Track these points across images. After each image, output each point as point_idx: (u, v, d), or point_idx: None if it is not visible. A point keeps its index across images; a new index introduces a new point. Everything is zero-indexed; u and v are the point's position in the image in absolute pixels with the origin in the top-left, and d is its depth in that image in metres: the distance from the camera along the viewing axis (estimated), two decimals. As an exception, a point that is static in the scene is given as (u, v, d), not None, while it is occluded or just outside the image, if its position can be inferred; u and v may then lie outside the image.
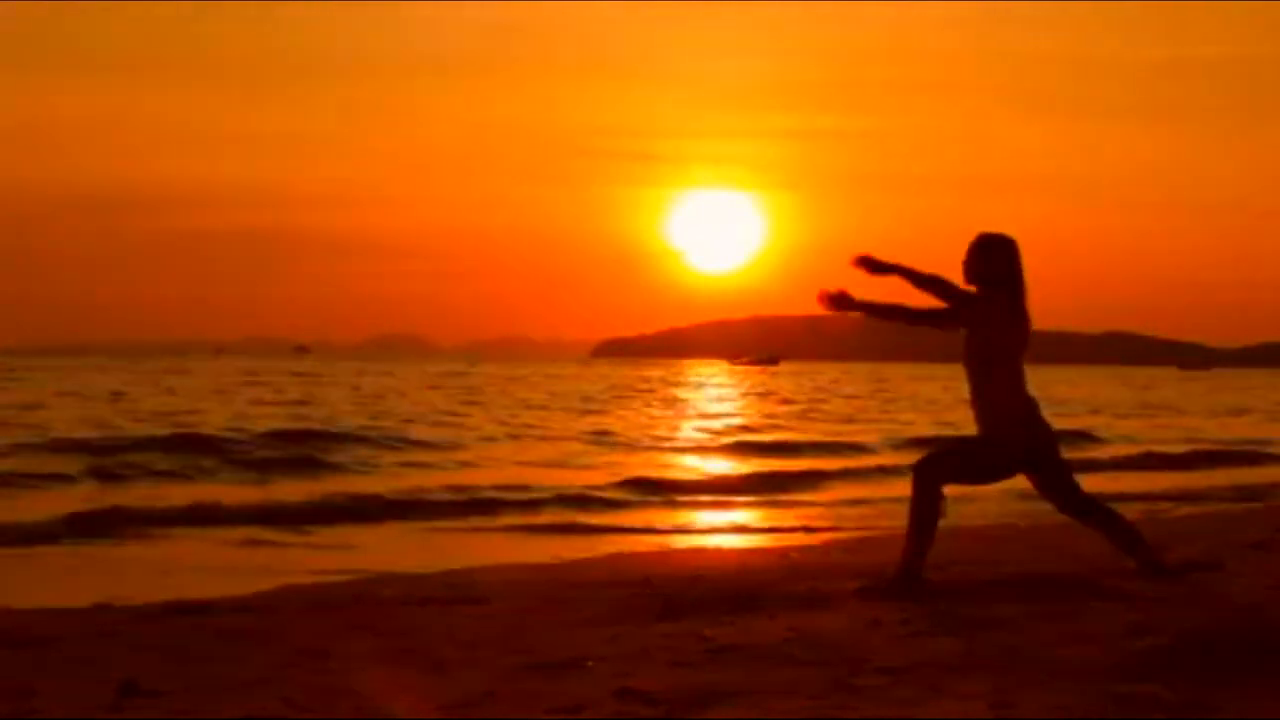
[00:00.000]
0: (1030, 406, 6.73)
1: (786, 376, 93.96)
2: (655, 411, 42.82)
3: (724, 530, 14.09)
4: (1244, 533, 9.73)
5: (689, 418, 38.95)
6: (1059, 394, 57.68)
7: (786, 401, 50.46)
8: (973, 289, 6.78)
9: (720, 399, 54.69)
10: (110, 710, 4.67)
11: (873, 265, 6.93)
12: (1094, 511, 6.90)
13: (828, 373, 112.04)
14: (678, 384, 76.32)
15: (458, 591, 7.99)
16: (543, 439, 28.04)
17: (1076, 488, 6.87)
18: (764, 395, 57.32)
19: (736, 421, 36.70)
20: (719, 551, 11.73)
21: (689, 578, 8.09)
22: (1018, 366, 6.74)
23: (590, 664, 5.19)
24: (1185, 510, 14.13)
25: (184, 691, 4.90)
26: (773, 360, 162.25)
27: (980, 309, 6.72)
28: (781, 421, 36.88)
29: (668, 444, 27.87)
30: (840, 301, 6.87)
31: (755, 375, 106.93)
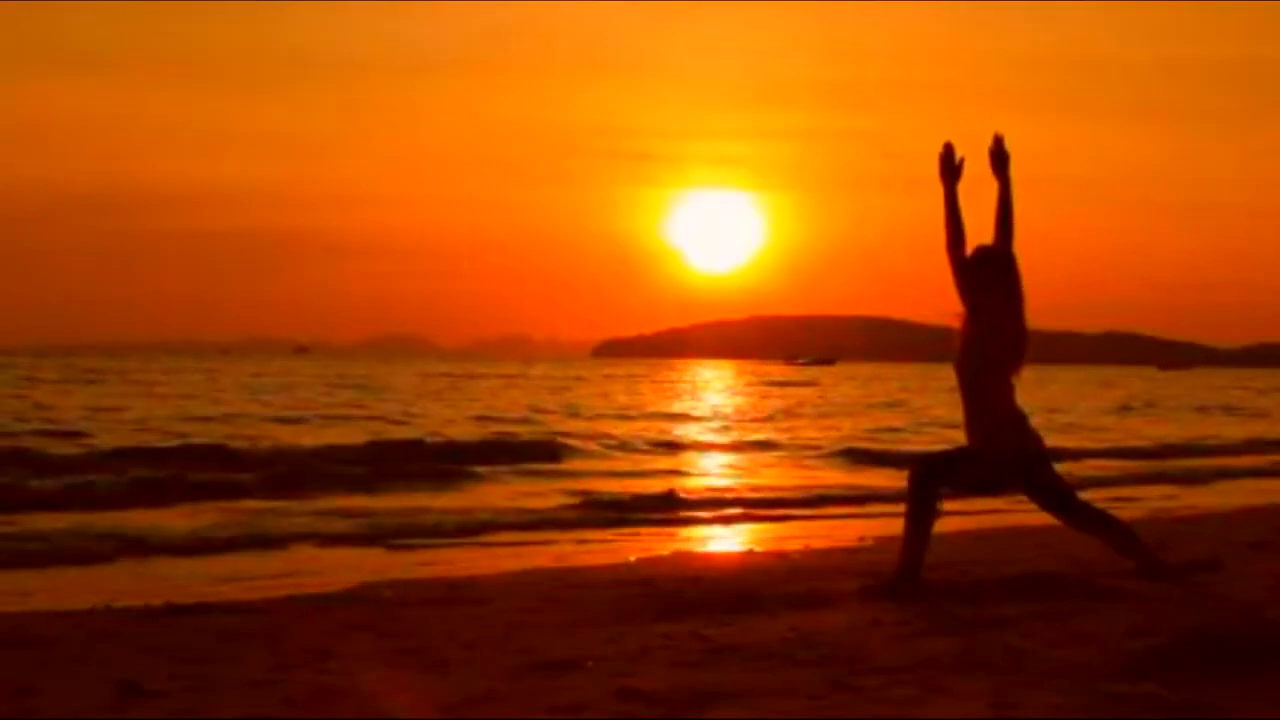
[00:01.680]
0: (1020, 417, 6.71)
1: (879, 380, 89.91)
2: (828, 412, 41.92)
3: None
4: (1244, 533, 9.74)
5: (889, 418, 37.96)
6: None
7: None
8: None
9: (890, 400, 52.29)
10: (110, 710, 4.67)
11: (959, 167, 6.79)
12: (1091, 518, 6.89)
13: (889, 374, 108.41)
14: (779, 384, 73.79)
15: (458, 592, 8.00)
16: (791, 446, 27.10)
17: (1070, 495, 6.87)
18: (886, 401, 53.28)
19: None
20: (719, 552, 11.73)
21: (689, 578, 8.10)
22: (1008, 376, 6.72)
23: (590, 664, 5.19)
24: (1185, 510, 14.13)
25: (184, 691, 4.90)
26: (829, 361, 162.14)
27: (971, 285, 6.71)
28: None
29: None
30: (952, 165, 6.81)
31: (830, 375, 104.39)
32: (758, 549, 11.13)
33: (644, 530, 13.57)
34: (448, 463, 20.40)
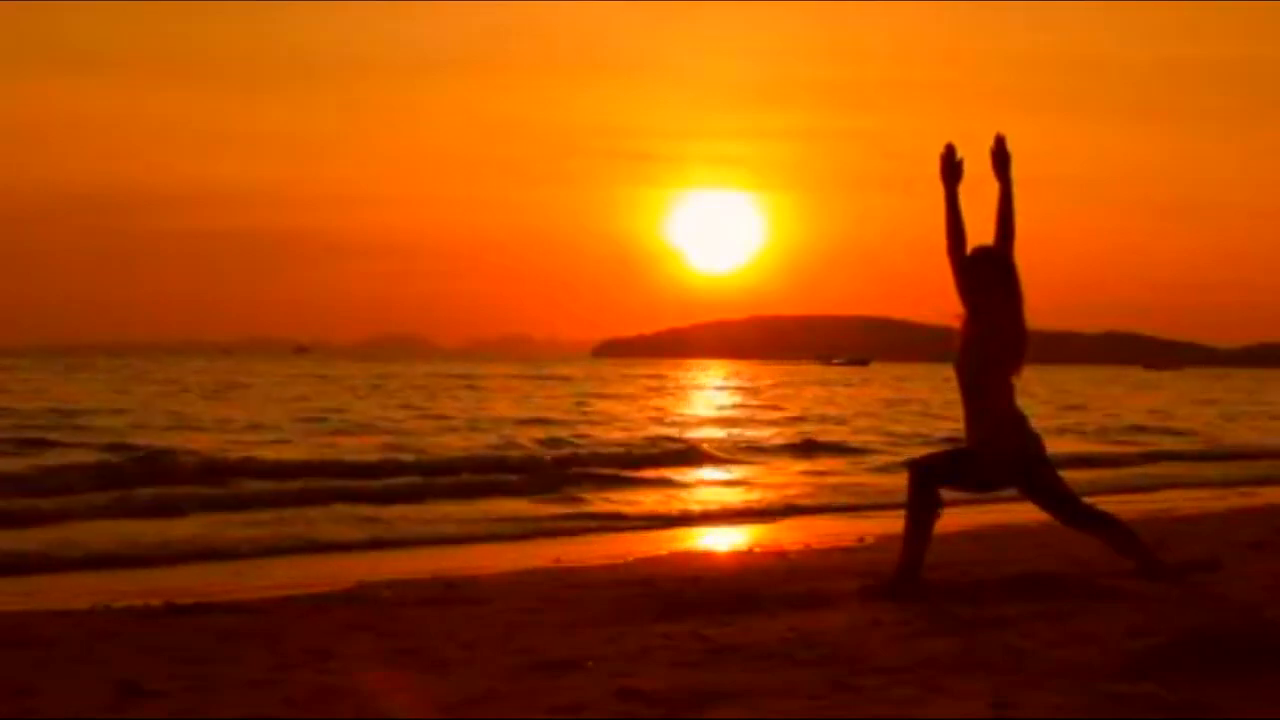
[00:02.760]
0: (1019, 418, 6.71)
1: (920, 380, 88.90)
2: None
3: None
4: (1244, 533, 9.74)
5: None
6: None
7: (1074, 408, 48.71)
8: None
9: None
10: (110, 710, 4.67)
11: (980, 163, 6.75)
12: (1091, 518, 6.88)
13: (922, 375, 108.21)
14: (842, 385, 74.07)
15: (458, 592, 8.00)
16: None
17: (1071, 496, 6.86)
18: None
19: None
20: (719, 552, 11.73)
21: (689, 578, 8.10)
22: (1008, 376, 6.71)
23: (590, 664, 5.19)
24: (1185, 510, 14.13)
25: (184, 691, 4.90)
26: (863, 361, 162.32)
27: (971, 285, 6.71)
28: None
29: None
30: (953, 166, 6.78)
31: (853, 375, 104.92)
32: (758, 549, 11.13)
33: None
34: (608, 467, 20.93)
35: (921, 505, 6.67)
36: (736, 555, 10.90)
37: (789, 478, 20.60)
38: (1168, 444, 29.55)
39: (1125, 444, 29.46)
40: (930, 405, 48.46)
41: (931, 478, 6.71)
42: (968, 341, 6.72)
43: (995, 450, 6.65)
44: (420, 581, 8.77)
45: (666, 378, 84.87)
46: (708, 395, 58.03)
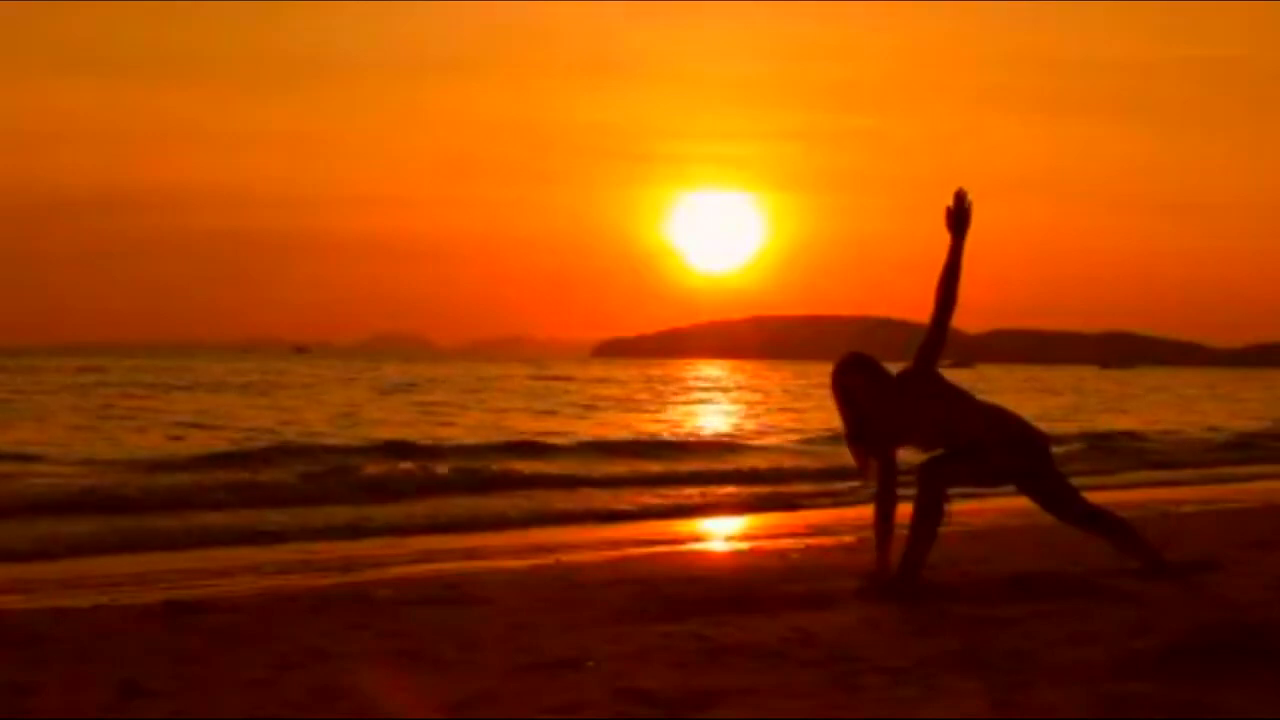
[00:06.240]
0: (1010, 427, 6.68)
1: (1040, 378, 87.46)
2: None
3: None
4: (1244, 533, 9.73)
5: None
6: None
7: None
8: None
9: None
10: (110, 710, 4.67)
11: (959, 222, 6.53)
12: (1096, 518, 6.88)
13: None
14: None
15: (458, 591, 7.99)
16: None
17: (1075, 496, 6.85)
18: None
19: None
20: (719, 551, 11.74)
21: (689, 578, 8.09)
22: (972, 403, 6.69)
23: (590, 664, 5.19)
24: (1186, 510, 14.12)
25: (184, 691, 4.90)
26: (968, 363, 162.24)
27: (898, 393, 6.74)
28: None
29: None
30: (963, 216, 6.55)
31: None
32: (758, 548, 11.13)
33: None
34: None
35: (930, 505, 6.65)
36: (736, 555, 10.90)
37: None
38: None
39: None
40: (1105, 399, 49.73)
41: (940, 478, 6.69)
42: (901, 430, 6.71)
43: (996, 443, 6.63)
44: (420, 581, 8.76)
45: (722, 378, 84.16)
46: (790, 396, 56.64)
